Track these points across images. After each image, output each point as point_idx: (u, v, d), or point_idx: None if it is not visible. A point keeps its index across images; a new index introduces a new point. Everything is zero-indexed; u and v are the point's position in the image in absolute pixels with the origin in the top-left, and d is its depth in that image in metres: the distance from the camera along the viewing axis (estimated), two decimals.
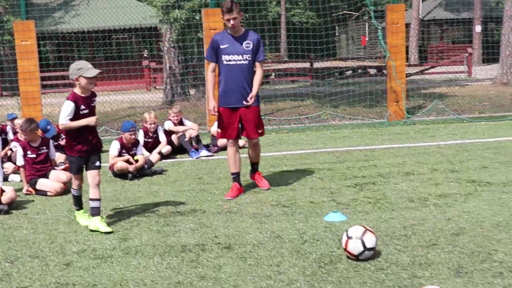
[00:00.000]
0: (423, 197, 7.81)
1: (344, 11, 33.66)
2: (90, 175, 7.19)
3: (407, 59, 41.55)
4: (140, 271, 5.65)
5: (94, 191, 7.18)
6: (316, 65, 28.83)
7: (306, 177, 9.30)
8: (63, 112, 7.00)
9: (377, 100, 17.41)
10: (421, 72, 28.49)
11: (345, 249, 5.64)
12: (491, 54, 31.63)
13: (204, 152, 11.62)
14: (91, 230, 7.02)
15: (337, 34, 53.03)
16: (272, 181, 9.07)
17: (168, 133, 11.88)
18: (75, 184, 7.35)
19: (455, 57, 35.53)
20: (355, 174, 9.38)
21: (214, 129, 12.45)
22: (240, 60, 8.24)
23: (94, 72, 6.96)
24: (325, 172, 9.62)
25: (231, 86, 8.26)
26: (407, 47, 42.93)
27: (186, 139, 11.78)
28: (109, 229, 6.96)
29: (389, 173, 9.34)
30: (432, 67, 30.33)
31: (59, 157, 10.46)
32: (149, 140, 11.46)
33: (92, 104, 7.19)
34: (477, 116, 15.76)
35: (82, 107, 7.03)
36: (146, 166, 10.15)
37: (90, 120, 7.05)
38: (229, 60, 8.24)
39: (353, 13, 42.67)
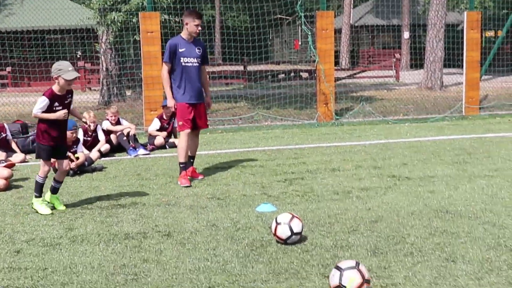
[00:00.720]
0: (347, 190, 8.50)
1: (278, 16, 34.41)
2: (61, 163, 7.92)
3: (338, 63, 42.73)
4: (87, 256, 6.12)
5: (61, 175, 8.00)
6: (250, 68, 29.48)
7: (239, 173, 9.91)
8: (37, 105, 7.63)
9: (307, 103, 18.17)
10: (352, 76, 29.45)
11: (275, 234, 6.25)
12: (418, 60, 32.95)
13: (141, 151, 12.10)
14: (48, 202, 7.99)
15: (271, 38, 53.90)
16: (207, 176, 9.66)
17: (107, 133, 12.29)
18: (42, 171, 7.88)
19: (384, 62, 36.73)
20: (285, 170, 10.02)
21: (152, 128, 12.99)
22: (194, 63, 9.37)
23: (72, 75, 7.57)
24: (257, 168, 10.24)
25: (189, 84, 9.34)
26: (338, 52, 44.25)
27: (125, 138, 12.23)
28: (63, 207, 7.95)
29: (317, 169, 10.02)
30: (362, 72, 31.36)
31: (0, 154, 10.79)
32: (89, 138, 11.85)
33: (67, 101, 7.77)
34: (402, 118, 16.65)
35: (56, 104, 7.65)
36: (86, 163, 10.56)
37: (58, 115, 7.64)
38: (187, 62, 9.31)
39: (287, 17, 43.55)
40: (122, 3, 18.23)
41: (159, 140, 12.70)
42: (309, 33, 16.23)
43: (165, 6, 17.98)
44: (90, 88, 28.65)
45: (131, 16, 17.86)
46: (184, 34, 9.45)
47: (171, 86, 9.41)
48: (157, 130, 12.92)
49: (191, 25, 9.31)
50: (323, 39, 15.72)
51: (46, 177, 7.92)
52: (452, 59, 25.37)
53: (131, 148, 12.11)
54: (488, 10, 36.10)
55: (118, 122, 12.66)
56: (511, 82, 26.62)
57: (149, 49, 14.82)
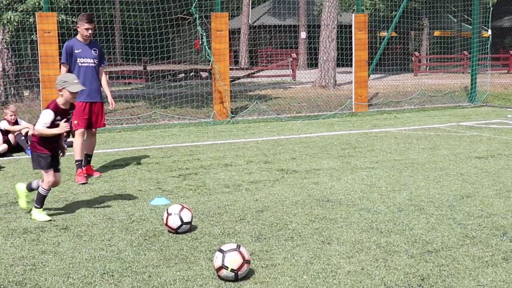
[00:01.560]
0: (237, 184, 9.03)
1: (178, 16, 34.75)
2: (57, 176, 7.66)
3: (238, 62, 43.45)
4: None
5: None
6: (150, 68, 29.70)
7: (136, 170, 10.29)
8: (42, 119, 7.36)
9: (204, 101, 18.67)
10: (249, 75, 30.11)
11: (166, 224, 6.71)
12: (314, 59, 33.99)
13: None
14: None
15: (171, 38, 54.02)
16: (104, 173, 10.01)
17: (4, 133, 12.40)
18: (46, 182, 7.52)
19: (281, 61, 37.64)
20: (180, 166, 10.47)
21: None
22: (91, 63, 9.80)
23: (77, 87, 7.42)
24: (153, 165, 10.65)
25: (86, 84, 9.34)
26: (238, 52, 44.94)
27: (23, 138, 12.36)
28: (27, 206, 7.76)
29: (210, 165, 10.52)
30: (260, 71, 32.10)
31: None
32: None
33: (68, 116, 7.58)
34: (295, 116, 17.38)
35: (59, 117, 7.40)
36: None
37: (62, 129, 7.37)
38: (83, 63, 9.72)
39: (187, 17, 43.89)
40: (19, 2, 18.19)
41: None
42: (204, 33, 16.72)
43: (62, 6, 18.09)
44: None
45: (27, 16, 17.85)
46: (79, 36, 9.88)
47: None
48: None
49: (81, 29, 9.76)
50: (218, 39, 16.25)
51: (49, 189, 7.64)
52: (346, 58, 26.41)
53: (29, 148, 12.24)
54: (379, 12, 37.57)
55: (16, 122, 12.77)
56: (401, 80, 27.91)
57: (46, 48, 14.95)
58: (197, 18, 16.56)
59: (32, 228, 7.08)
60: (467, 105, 20.13)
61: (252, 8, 51.26)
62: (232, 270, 5.25)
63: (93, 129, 10.09)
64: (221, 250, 5.38)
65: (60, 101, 7.48)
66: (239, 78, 28.27)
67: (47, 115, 7.37)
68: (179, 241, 6.45)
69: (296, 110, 18.55)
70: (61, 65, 9.87)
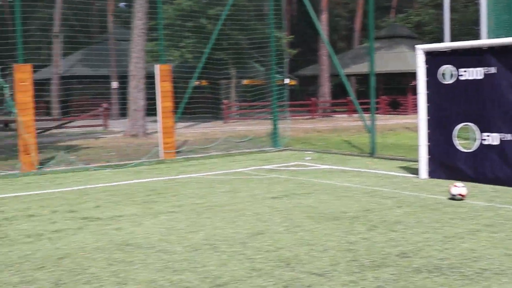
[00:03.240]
0: (40, 233, 9.17)
1: None
2: None
3: (50, 113, 42.81)
4: None
5: None
6: None
7: None
8: None
9: (10, 153, 18.41)
10: (60, 126, 29.90)
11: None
12: (126, 109, 34.36)
13: None
14: None
15: None
16: None
17: None
18: None
19: (93, 111, 37.61)
20: None
21: None
22: None
23: None
24: None
25: None
26: (49, 102, 44.28)
27: None
28: None
29: (14, 216, 10.53)
30: (71, 121, 31.92)
31: None
32: None
33: None
34: (104, 165, 17.58)
35: None
36: None
37: None
38: None
39: None
40: None
41: None
42: (6, 86, 16.58)
43: None
44: None
45: None
46: None
47: None
48: None
49: None
50: (22, 92, 16.19)
51: None
52: (155, 107, 26.96)
53: None
54: (188, 63, 38.67)
55: None
56: (211, 128, 28.93)
57: None
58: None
59: None
60: (270, 150, 21.29)
61: (64, 57, 50.84)
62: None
63: None
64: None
65: None
66: (49, 129, 28.00)
67: None
68: None
69: (105, 160, 18.76)
70: None
